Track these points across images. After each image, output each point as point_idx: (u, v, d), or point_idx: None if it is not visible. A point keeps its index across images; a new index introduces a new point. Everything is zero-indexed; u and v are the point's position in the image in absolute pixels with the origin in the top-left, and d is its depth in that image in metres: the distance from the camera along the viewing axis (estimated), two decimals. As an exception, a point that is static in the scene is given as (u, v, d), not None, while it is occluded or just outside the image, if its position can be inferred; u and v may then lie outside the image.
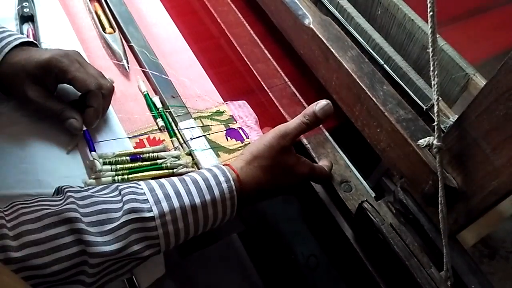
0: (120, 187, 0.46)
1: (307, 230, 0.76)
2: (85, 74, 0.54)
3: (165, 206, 0.45)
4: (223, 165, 0.52)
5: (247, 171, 0.51)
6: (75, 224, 0.42)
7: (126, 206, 0.44)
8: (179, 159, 0.56)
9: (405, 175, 0.52)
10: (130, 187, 0.47)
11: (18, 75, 0.53)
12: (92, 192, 0.46)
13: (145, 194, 0.46)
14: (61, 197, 0.45)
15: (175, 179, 0.49)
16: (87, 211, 0.43)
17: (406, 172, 0.52)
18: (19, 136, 0.57)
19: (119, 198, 0.45)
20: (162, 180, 0.48)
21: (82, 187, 0.48)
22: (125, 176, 0.54)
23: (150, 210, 0.45)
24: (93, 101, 0.55)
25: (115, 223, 0.43)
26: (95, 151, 0.55)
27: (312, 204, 0.65)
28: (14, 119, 0.58)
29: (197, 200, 0.47)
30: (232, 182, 0.49)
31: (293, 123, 0.54)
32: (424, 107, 0.53)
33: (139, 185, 0.47)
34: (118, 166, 0.54)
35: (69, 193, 0.45)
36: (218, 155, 0.59)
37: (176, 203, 0.46)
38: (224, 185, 0.48)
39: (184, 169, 0.56)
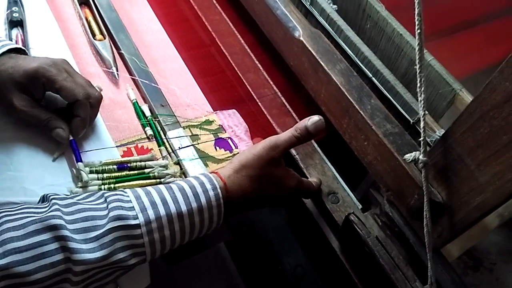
0: (106, 195, 0.46)
1: (294, 241, 0.76)
2: (73, 84, 0.54)
3: (151, 213, 0.45)
4: (211, 172, 0.52)
5: (235, 180, 0.51)
6: (59, 231, 0.41)
7: (112, 214, 0.44)
8: (167, 169, 0.56)
9: (391, 188, 0.53)
10: (116, 194, 0.46)
11: (4, 83, 0.52)
12: (77, 200, 0.46)
13: (131, 202, 0.46)
14: (46, 205, 0.44)
15: (161, 186, 0.49)
16: (72, 218, 0.43)
17: (392, 186, 0.52)
18: (5, 143, 0.56)
19: (105, 205, 0.45)
20: (149, 187, 0.48)
21: (68, 195, 0.48)
22: (112, 185, 0.53)
23: (136, 218, 0.44)
24: (80, 111, 0.55)
25: (100, 231, 0.43)
26: (81, 161, 0.54)
27: (299, 214, 0.65)
28: (1, 125, 0.57)
29: (184, 207, 0.47)
30: (219, 190, 0.49)
31: (284, 135, 0.54)
32: (411, 120, 0.54)
33: (125, 192, 0.47)
34: (105, 175, 0.54)
35: (54, 200, 0.44)
36: (206, 165, 0.58)
37: (162, 211, 0.46)
38: (211, 193, 0.49)
39: (172, 179, 0.56)
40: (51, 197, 0.45)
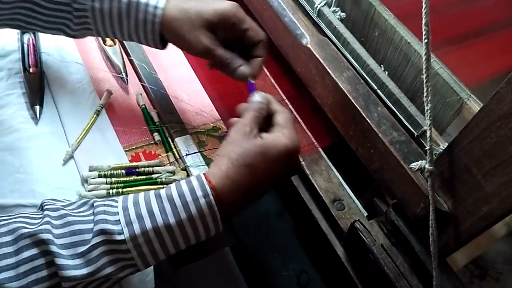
0: (95, 204, 0.44)
1: (299, 247, 0.76)
2: (257, 25, 0.55)
3: (136, 228, 0.43)
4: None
5: (224, 174, 0.47)
6: (48, 246, 0.41)
7: (97, 227, 0.42)
8: (174, 175, 0.57)
9: (397, 197, 0.53)
10: (105, 204, 0.44)
11: (191, 20, 0.52)
12: (69, 210, 0.44)
13: (118, 214, 0.43)
14: (40, 215, 0.44)
15: (151, 194, 0.46)
16: (60, 232, 0.42)
17: (398, 194, 0.52)
18: (15, 145, 0.57)
19: (92, 217, 0.43)
20: (140, 195, 0.46)
21: (64, 201, 0.47)
22: (120, 190, 0.54)
23: (121, 233, 0.42)
24: (263, 52, 0.56)
25: (86, 246, 0.42)
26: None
27: (305, 220, 0.66)
28: (11, 127, 0.58)
29: (172, 219, 0.44)
30: (211, 197, 0.45)
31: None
32: (415, 133, 0.54)
33: (116, 201, 0.45)
34: (113, 179, 0.54)
35: (46, 211, 0.43)
36: (213, 171, 0.59)
37: (148, 224, 0.43)
38: (202, 201, 0.44)
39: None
40: (45, 206, 0.44)
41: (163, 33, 0.54)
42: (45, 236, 0.41)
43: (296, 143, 0.50)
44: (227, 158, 0.47)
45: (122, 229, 0.42)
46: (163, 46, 0.57)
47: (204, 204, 0.44)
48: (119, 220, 0.43)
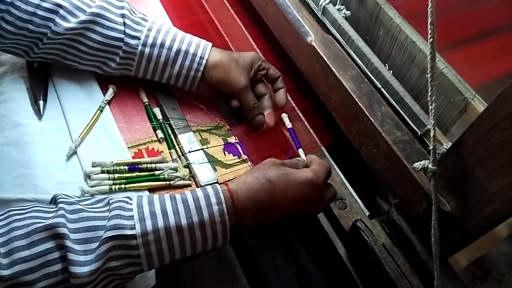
0: (111, 201, 0.46)
1: (300, 245, 0.76)
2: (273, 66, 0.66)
3: (148, 224, 0.44)
4: (222, 183, 0.50)
5: (243, 189, 0.48)
6: (62, 240, 0.41)
7: (110, 223, 0.43)
8: (176, 171, 0.57)
9: (399, 196, 0.53)
10: (120, 201, 0.46)
11: (236, 60, 0.61)
12: (84, 205, 0.45)
13: (132, 210, 0.45)
14: (54, 208, 0.44)
15: (166, 196, 0.48)
16: (75, 226, 0.43)
17: (401, 193, 0.52)
18: (19, 140, 0.57)
19: (107, 214, 0.45)
20: (155, 196, 0.48)
21: (79, 197, 0.48)
22: (122, 186, 0.54)
23: (133, 228, 0.44)
24: (282, 84, 0.66)
25: (99, 242, 0.43)
26: (301, 147, 0.64)
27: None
28: (15, 122, 0.58)
29: (184, 221, 0.45)
30: (224, 205, 0.47)
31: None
32: (419, 132, 0.54)
33: (130, 199, 0.47)
34: (116, 175, 0.55)
35: (61, 205, 0.44)
36: (215, 169, 0.59)
37: (160, 223, 0.45)
38: (215, 208, 0.46)
39: (181, 182, 0.56)
40: (59, 199, 0.45)
41: (203, 77, 0.61)
42: (60, 230, 0.42)
43: (320, 179, 0.51)
44: (250, 173, 0.51)
45: (135, 224, 0.44)
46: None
47: (217, 211, 0.46)
48: (133, 216, 0.44)
